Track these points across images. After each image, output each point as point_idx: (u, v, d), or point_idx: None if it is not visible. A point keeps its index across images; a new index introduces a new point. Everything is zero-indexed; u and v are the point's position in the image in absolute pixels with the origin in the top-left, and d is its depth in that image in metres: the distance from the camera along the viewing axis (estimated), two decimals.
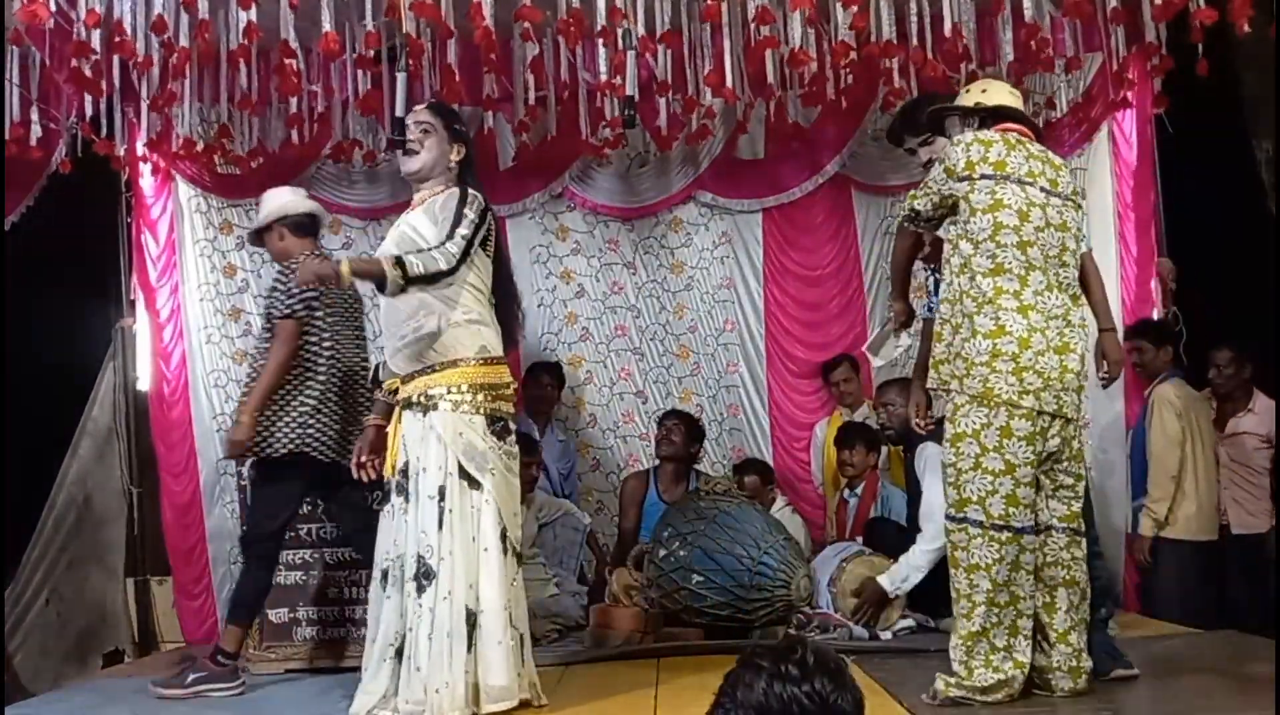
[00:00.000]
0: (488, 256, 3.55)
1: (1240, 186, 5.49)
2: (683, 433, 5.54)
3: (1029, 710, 3.19)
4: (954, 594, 3.28)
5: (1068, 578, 3.33)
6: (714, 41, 4.85)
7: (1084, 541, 3.40)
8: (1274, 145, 5.38)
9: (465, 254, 3.42)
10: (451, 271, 3.39)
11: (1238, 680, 3.52)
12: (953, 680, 3.24)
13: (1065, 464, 3.35)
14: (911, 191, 3.49)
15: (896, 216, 6.07)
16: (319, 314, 4.18)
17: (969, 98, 3.54)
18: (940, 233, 3.52)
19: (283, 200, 4.38)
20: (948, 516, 3.28)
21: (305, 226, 4.35)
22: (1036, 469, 3.27)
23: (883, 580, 4.49)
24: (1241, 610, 4.83)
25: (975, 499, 3.21)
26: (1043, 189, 3.31)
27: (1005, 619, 3.22)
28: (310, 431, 4.11)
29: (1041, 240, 3.27)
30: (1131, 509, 5.21)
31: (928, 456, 4.41)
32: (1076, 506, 3.38)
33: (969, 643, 3.22)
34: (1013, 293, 3.23)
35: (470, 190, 3.55)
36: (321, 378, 4.17)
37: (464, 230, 3.43)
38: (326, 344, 4.20)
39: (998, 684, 3.20)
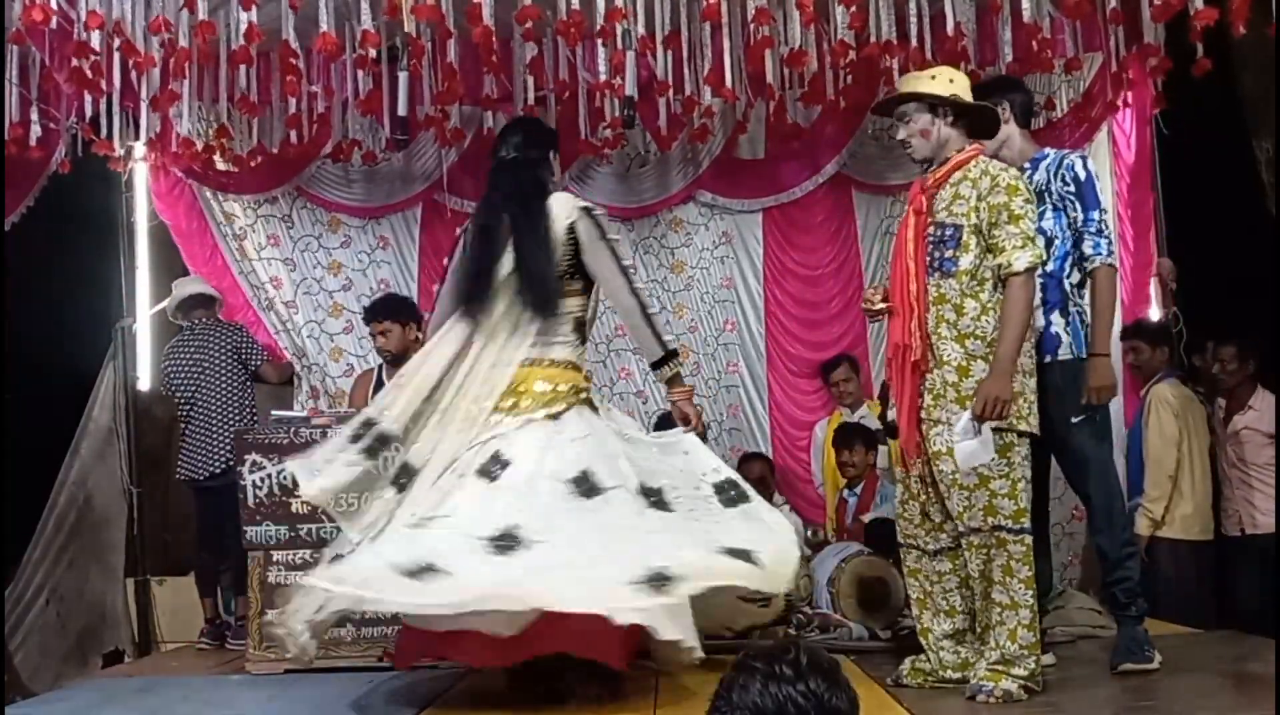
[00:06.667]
0: None
1: (1240, 186, 5.48)
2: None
3: (1028, 710, 3.19)
4: (1008, 602, 3.26)
5: None
6: (714, 41, 4.85)
7: None
8: (1274, 145, 5.37)
9: None
10: None
11: (1238, 680, 3.53)
12: (1022, 678, 3.25)
13: None
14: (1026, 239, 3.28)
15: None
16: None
17: (936, 85, 3.38)
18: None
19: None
20: (1011, 530, 3.26)
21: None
22: None
23: None
24: (1251, 609, 4.79)
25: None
26: None
27: None
28: None
29: None
30: (1128, 508, 5.20)
31: None
32: None
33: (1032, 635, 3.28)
34: None
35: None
36: None
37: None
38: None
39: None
